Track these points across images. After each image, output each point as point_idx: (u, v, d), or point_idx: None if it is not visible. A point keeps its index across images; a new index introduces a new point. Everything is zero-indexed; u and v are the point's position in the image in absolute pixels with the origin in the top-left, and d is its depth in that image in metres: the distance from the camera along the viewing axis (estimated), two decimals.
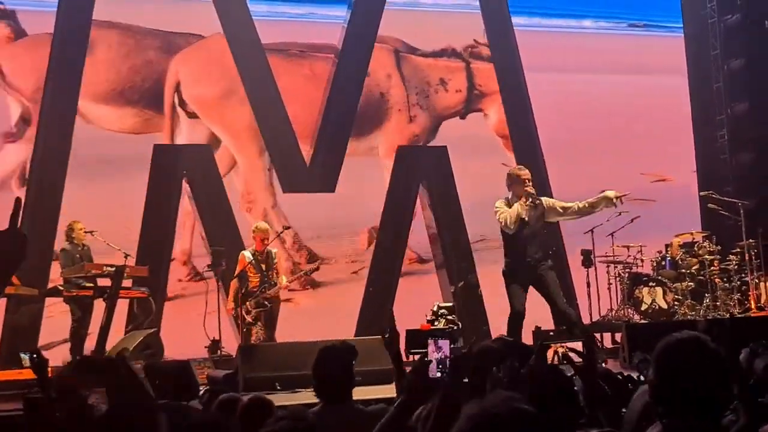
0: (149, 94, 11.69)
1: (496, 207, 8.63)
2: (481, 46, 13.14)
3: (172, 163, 11.44)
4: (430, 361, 3.41)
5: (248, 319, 9.67)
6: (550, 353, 4.25)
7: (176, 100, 11.80)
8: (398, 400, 3.10)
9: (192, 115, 11.88)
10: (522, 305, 8.48)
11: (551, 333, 9.89)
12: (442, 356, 3.36)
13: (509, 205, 8.57)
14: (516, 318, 8.42)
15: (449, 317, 9.33)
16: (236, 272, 9.84)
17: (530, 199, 8.51)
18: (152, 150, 11.36)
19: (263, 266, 9.81)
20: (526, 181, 8.61)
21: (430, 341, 3.43)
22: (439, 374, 3.33)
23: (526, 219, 8.51)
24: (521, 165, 9.27)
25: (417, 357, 4.07)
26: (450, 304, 9.91)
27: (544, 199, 8.79)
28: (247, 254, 9.89)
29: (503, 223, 8.56)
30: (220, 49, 11.92)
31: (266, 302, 9.72)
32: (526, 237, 8.55)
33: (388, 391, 4.72)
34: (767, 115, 13.39)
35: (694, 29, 14.17)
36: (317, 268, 10.47)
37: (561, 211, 8.77)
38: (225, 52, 11.91)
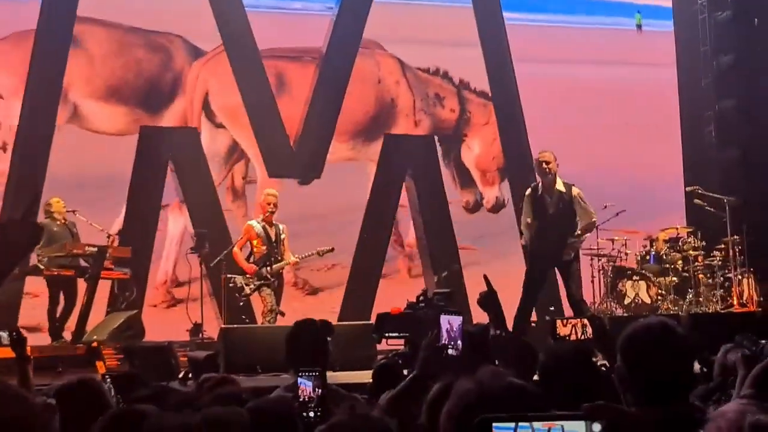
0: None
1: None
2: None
3: (158, 145, 11.37)
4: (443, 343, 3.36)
5: (246, 291, 9.27)
6: (567, 330, 4.23)
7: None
8: (410, 374, 3.07)
9: (219, 125, 11.79)
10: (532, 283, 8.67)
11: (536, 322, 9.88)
12: (454, 334, 3.30)
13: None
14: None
15: (441, 303, 9.17)
16: (240, 243, 9.39)
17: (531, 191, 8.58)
18: (138, 131, 11.29)
19: (272, 238, 9.28)
20: (537, 170, 8.65)
21: (443, 317, 3.37)
22: (452, 352, 3.27)
23: (538, 218, 8.51)
24: (543, 150, 8.86)
25: (390, 340, 4.04)
26: (447, 290, 9.74)
27: (576, 194, 8.64)
28: (255, 224, 9.35)
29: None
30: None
31: (269, 277, 9.23)
32: (545, 222, 8.57)
33: (367, 377, 4.69)
34: (755, 112, 13.40)
35: (685, 24, 14.16)
36: (331, 250, 9.71)
37: (578, 210, 8.66)
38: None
